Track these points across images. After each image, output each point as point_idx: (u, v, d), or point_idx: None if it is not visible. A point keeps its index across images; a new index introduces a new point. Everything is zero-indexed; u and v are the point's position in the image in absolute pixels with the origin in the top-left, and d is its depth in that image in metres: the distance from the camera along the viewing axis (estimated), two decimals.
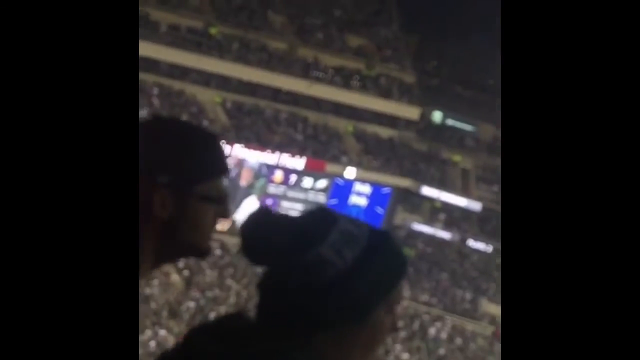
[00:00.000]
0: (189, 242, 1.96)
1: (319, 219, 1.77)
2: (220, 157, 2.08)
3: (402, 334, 39.96)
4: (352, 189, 43.53)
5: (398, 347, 38.86)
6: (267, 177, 41.24)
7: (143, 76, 38.17)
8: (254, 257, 1.77)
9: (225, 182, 2.07)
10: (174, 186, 1.90)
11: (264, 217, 1.80)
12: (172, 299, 35.96)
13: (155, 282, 35.95)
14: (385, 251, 1.76)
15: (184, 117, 38.07)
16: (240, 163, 40.43)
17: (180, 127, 2.07)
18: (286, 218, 1.83)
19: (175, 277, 37.15)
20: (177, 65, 40.17)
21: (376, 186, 43.92)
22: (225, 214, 2.01)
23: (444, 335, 41.54)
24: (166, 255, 1.97)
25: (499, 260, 46.17)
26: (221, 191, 2.01)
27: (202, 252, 1.99)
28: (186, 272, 37.26)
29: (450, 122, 48.88)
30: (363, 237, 1.73)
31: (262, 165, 41.11)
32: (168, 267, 36.55)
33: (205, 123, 39.68)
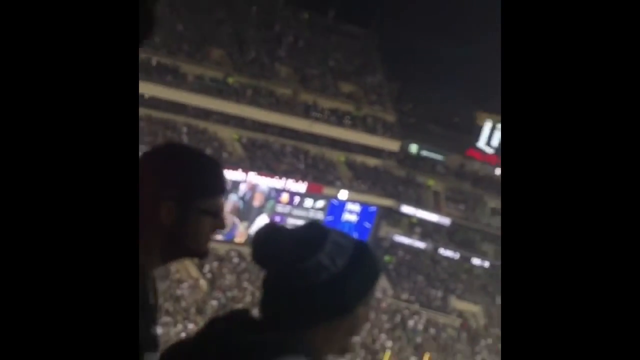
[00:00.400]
0: (188, 246, 2.01)
1: (316, 233, 1.80)
2: (219, 179, 2.10)
3: (387, 325, 40.58)
4: (345, 208, 43.78)
5: (383, 336, 39.10)
6: (275, 199, 41.35)
7: (174, 117, 39.77)
8: (262, 263, 1.82)
9: (224, 200, 2.15)
10: (178, 200, 1.95)
11: (271, 231, 1.83)
12: (199, 298, 36.40)
13: (185, 285, 36.61)
14: (366, 260, 1.80)
15: (208, 150, 37.92)
16: (254, 187, 40.58)
17: (187, 151, 2.12)
18: (289, 231, 1.86)
19: (202, 282, 37.51)
20: (201, 108, 40.43)
21: (364, 205, 44.18)
22: (221, 226, 2.05)
23: (420, 326, 41.73)
24: (171, 255, 2.04)
25: (466, 265, 47.43)
26: (218, 207, 2.05)
27: (200, 254, 2.06)
28: (209, 276, 37.68)
29: (424, 153, 49.17)
30: (350, 248, 1.77)
31: (271, 189, 41.19)
32: (196, 273, 37.94)
33: (224, 155, 40.59)
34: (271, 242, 1.79)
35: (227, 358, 1.73)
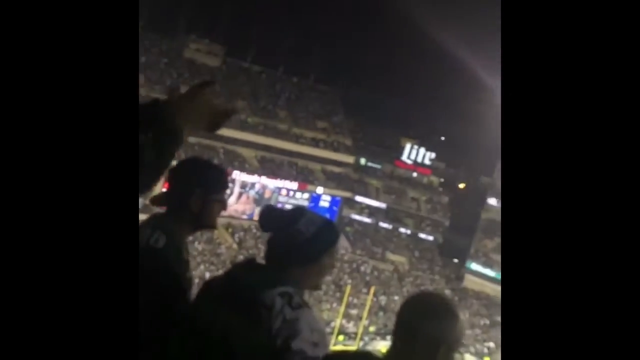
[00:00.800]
0: (206, 222, 2.06)
1: (296, 212, 1.85)
2: (225, 181, 2.12)
3: (347, 270, 41.12)
4: (321, 199, 43.67)
5: (345, 276, 40.10)
6: (277, 193, 41.45)
7: (214, 143, 39.39)
8: (264, 229, 1.83)
9: (227, 195, 2.07)
10: (202, 194, 1.99)
11: (268, 210, 1.87)
12: (232, 255, 36.11)
13: (223, 246, 37.10)
14: (327, 229, 1.85)
15: (235, 163, 39.97)
16: (264, 186, 40.91)
17: (207, 163, 2.11)
18: (280, 211, 1.88)
19: (234, 245, 37.61)
20: (231, 137, 39.64)
21: (333, 197, 44.40)
22: (225, 208, 2.07)
23: (368, 270, 42.19)
24: (195, 228, 2.05)
25: (395, 233, 47.29)
26: (224, 197, 2.07)
27: (213, 226, 2.09)
28: (238, 241, 38.14)
29: (369, 164, 49.32)
30: (319, 222, 1.83)
31: (275, 187, 41.31)
32: (230, 239, 37.81)
33: (246, 166, 41.02)
34: (268, 217, 1.86)
35: (242, 289, 1.77)
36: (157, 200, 2.09)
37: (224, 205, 2.07)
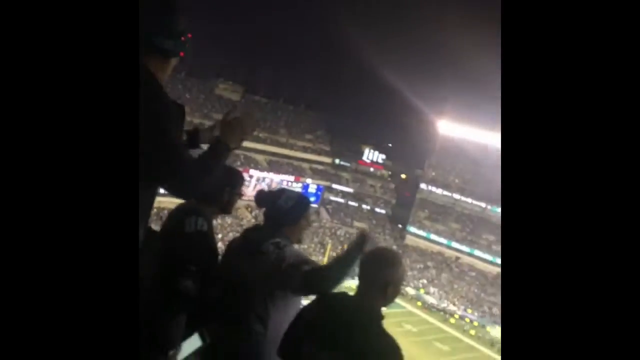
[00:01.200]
0: (228, 209, 2.12)
1: (279, 193, 1.97)
2: (242, 180, 2.17)
3: (328, 233, 41.59)
4: (309, 187, 44.37)
5: (327, 238, 40.52)
6: (280, 184, 40.91)
7: (236, 151, 29.18)
8: (259, 205, 1.93)
9: (246, 186, 2.85)
10: (229, 189, 2.07)
11: (261, 193, 2.00)
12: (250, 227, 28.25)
13: (244, 220, 36.65)
14: (302, 202, 1.97)
15: (251, 165, 40.73)
16: (272, 180, 41.28)
17: (232, 170, 2.14)
18: (268, 192, 1.95)
19: (252, 219, 36.55)
20: (248, 147, 39.79)
21: (318, 186, 45.65)
22: (241, 197, 2.10)
23: (342, 234, 42.54)
24: (220, 212, 2.12)
25: (359, 208, 48.02)
26: (242, 190, 2.14)
27: (230, 212, 2.16)
28: (254, 215, 36.97)
29: (341, 163, 50.86)
30: (295, 198, 1.94)
31: (280, 181, 41.70)
32: (249, 215, 37.62)
33: (259, 167, 41.55)
34: (259, 197, 1.99)
35: (249, 243, 1.84)
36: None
37: (241, 196, 2.16)
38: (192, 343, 1.83)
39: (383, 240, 45.47)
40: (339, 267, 1.83)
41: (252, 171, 41.21)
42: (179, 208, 2.08)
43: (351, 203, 49.25)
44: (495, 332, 33.17)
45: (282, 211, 1.99)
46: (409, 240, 46.31)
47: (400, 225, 48.83)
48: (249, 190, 32.77)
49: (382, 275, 1.65)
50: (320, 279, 1.80)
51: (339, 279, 1.81)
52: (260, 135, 44.59)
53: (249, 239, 2.01)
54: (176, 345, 1.82)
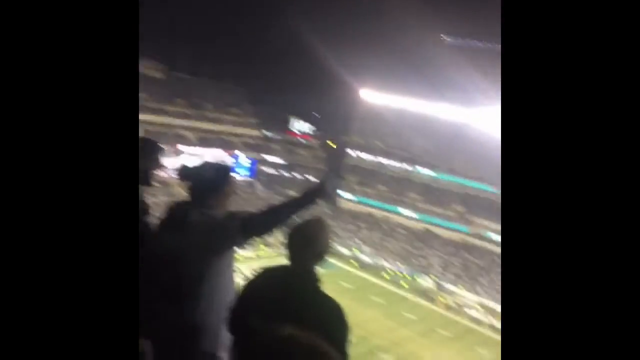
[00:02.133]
0: (148, 180, 2.13)
1: (202, 164, 1.95)
2: (157, 148, 2.26)
3: (264, 204, 27.77)
4: (239, 158, 44.78)
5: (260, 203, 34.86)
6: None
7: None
8: (182, 179, 1.88)
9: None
10: (145, 160, 2.09)
11: (183, 167, 1.98)
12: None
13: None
14: (222, 169, 1.97)
15: (179, 143, 40.47)
16: (202, 157, 34.75)
17: (144, 139, 2.17)
18: (194, 166, 1.94)
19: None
20: (177, 125, 41.03)
21: (252, 159, 46.24)
22: (159, 168, 2.20)
23: (277, 202, 34.11)
24: (142, 184, 2.13)
25: (293, 177, 48.47)
26: (157, 158, 2.21)
27: (149, 183, 2.17)
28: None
29: (272, 135, 51.04)
30: (216, 166, 1.96)
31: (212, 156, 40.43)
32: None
33: (186, 143, 41.18)
34: (184, 171, 1.97)
35: (182, 213, 1.78)
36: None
37: (159, 166, 2.20)
38: None
39: (317, 205, 46.42)
40: (278, 212, 1.89)
41: (180, 146, 40.55)
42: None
43: (285, 174, 50.06)
44: (426, 282, 35.70)
45: (204, 181, 1.96)
46: (341, 202, 46.58)
47: None
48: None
49: (311, 244, 1.68)
50: (258, 222, 1.83)
51: (277, 223, 1.85)
52: (187, 111, 44.48)
53: (175, 214, 1.96)
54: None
